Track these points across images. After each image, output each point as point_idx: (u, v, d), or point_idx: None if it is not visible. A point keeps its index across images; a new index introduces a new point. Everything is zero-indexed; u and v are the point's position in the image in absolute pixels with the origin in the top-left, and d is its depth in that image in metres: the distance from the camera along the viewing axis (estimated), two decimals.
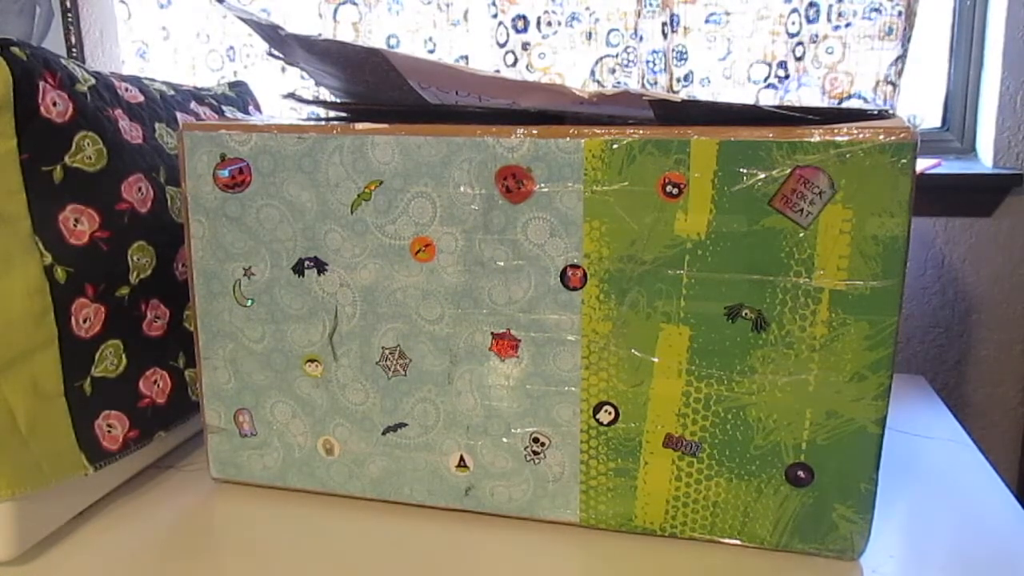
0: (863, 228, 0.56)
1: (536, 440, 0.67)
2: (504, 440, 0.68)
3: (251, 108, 0.98)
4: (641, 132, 0.59)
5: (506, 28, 1.18)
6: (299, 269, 0.69)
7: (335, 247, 0.67)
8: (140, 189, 0.72)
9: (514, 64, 1.18)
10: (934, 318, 1.18)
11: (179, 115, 0.81)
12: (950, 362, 1.18)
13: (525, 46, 1.18)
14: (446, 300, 0.66)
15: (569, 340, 0.64)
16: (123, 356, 0.70)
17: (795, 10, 1.10)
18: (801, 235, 0.58)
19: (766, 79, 1.13)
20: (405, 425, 0.70)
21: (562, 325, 0.64)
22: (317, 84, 0.89)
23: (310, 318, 0.70)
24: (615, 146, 0.60)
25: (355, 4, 1.22)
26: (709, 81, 1.15)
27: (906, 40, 1.07)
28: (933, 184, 1.12)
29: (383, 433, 0.70)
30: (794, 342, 0.60)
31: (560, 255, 0.63)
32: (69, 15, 1.35)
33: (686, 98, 0.62)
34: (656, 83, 1.15)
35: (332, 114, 0.87)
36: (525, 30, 1.17)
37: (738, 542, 0.65)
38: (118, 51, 1.37)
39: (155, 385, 0.74)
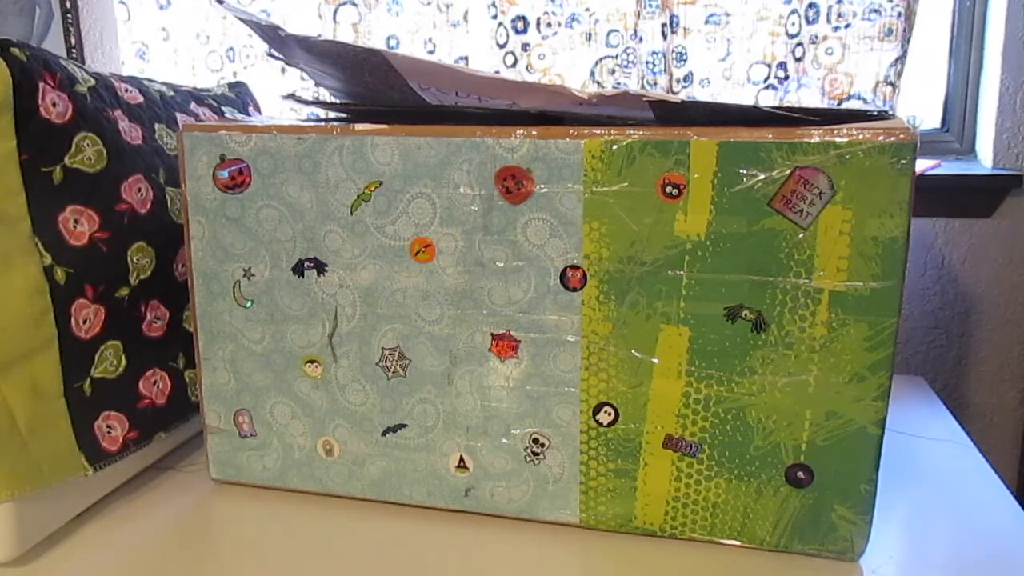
0: (863, 229, 0.56)
1: (536, 441, 0.67)
2: (504, 441, 0.68)
3: (251, 109, 0.98)
4: (641, 133, 0.59)
5: (506, 29, 1.18)
6: (299, 270, 0.69)
7: (335, 248, 0.67)
8: (140, 190, 0.72)
9: (514, 65, 1.18)
10: (934, 319, 1.18)
11: (179, 116, 0.81)
12: (950, 363, 1.18)
13: (525, 47, 1.18)
14: (446, 301, 0.66)
15: (569, 341, 0.64)
16: (123, 357, 0.70)
17: (795, 11, 1.10)
18: (801, 236, 0.58)
19: (766, 80, 1.13)
20: (405, 426, 0.70)
21: (562, 326, 0.64)
22: (317, 85, 0.89)
23: (310, 319, 0.70)
24: (615, 147, 0.60)
25: (355, 5, 1.22)
26: (709, 82, 1.15)
27: (906, 41, 1.07)
28: (933, 185, 1.12)
29: (383, 434, 0.70)
30: (794, 343, 0.60)
31: (560, 256, 0.63)
32: (69, 16, 1.35)
33: (686, 99, 0.62)
34: (656, 84, 1.15)
35: (332, 115, 0.87)
36: (525, 31, 1.17)
37: (738, 543, 0.65)
38: (118, 52, 1.37)
39: (155, 386, 0.74)
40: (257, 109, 1.00)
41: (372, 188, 0.65)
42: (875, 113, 0.64)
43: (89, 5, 1.36)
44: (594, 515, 0.67)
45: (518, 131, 0.61)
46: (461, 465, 0.69)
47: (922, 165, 1.09)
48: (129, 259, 0.71)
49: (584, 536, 0.68)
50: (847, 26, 1.09)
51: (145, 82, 0.80)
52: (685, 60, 1.14)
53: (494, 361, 0.66)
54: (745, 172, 0.58)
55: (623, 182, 0.60)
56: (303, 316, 0.70)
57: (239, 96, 0.97)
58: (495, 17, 1.18)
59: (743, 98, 1.14)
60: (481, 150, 0.62)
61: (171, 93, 0.83)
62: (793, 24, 1.10)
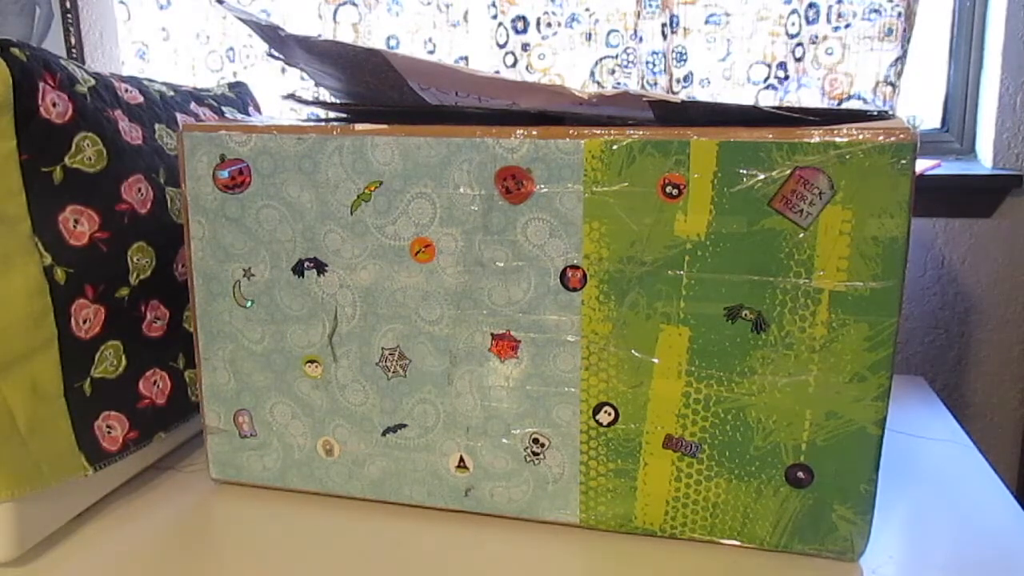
0: (863, 229, 0.56)
1: (536, 441, 0.67)
2: (504, 441, 0.68)
3: (251, 109, 0.98)
4: (641, 133, 0.59)
5: (506, 29, 1.18)
6: (299, 270, 0.69)
7: (335, 248, 0.67)
8: (140, 190, 0.72)
9: (514, 65, 1.18)
10: (934, 319, 1.18)
11: (179, 116, 0.81)
12: (950, 363, 1.18)
13: (525, 47, 1.18)
14: (446, 301, 0.66)
15: (569, 341, 0.64)
16: (123, 357, 0.70)
17: (795, 11, 1.10)
18: (801, 236, 0.58)
19: (766, 80, 1.13)
20: (405, 426, 0.70)
21: (562, 326, 0.64)
22: (317, 85, 0.89)
23: (310, 319, 0.70)
24: (615, 147, 0.60)
25: (355, 5, 1.22)
26: (709, 82, 1.15)
27: (906, 41, 1.07)
28: (933, 185, 1.12)
29: (383, 434, 0.70)
30: (794, 343, 0.60)
31: (560, 256, 0.63)
32: (69, 16, 1.35)
33: (686, 99, 0.62)
34: (656, 84, 1.15)
35: (332, 115, 0.87)
36: (525, 31, 1.17)
37: (738, 543, 0.65)
38: (118, 52, 1.37)
39: (155, 386, 0.74)
40: (257, 109, 1.00)
41: (372, 188, 0.65)
42: (875, 113, 0.64)
43: (89, 5, 1.36)
44: (594, 515, 0.67)
45: (518, 131, 0.61)
46: (461, 465, 0.69)
47: (922, 165, 1.09)
48: (129, 259, 0.71)
49: (584, 536, 0.68)
50: (847, 26, 1.09)
51: (145, 82, 0.80)
52: (685, 60, 1.14)
53: (494, 361, 0.66)
54: (745, 172, 0.58)
55: (623, 182, 0.60)
56: (303, 316, 0.70)
57: (239, 96, 0.97)
58: (495, 17, 1.18)
59: (743, 98, 1.14)
60: (481, 150, 0.62)
61: (171, 93, 0.83)
62: (793, 24, 1.10)
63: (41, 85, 0.63)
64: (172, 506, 0.74)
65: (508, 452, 0.68)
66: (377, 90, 0.75)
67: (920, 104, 1.21)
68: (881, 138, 0.55)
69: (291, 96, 0.78)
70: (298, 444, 0.73)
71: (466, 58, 1.22)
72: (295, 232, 0.68)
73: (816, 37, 1.10)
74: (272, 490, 0.76)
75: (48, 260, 0.63)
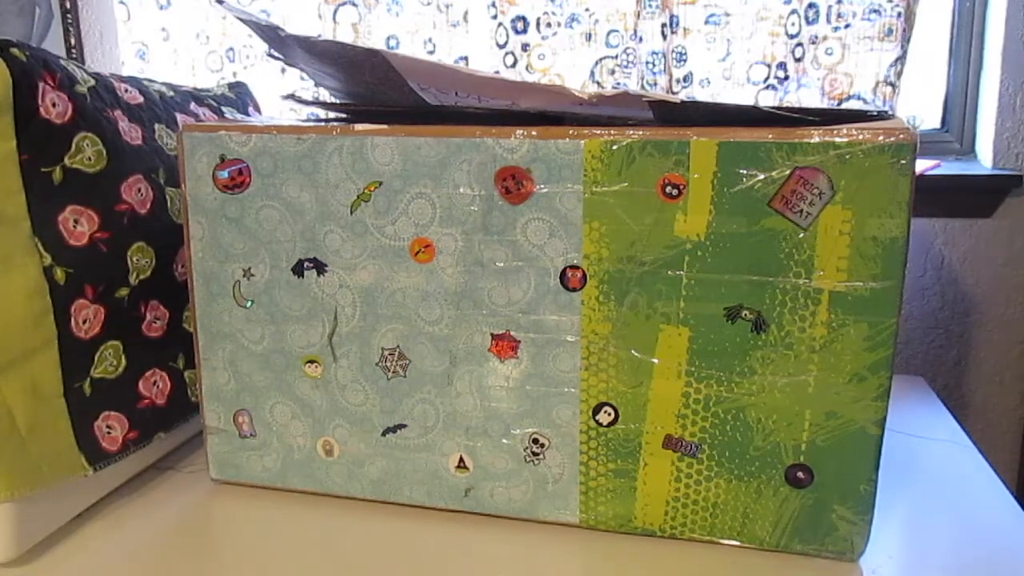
0: (862, 229, 0.56)
1: (536, 441, 0.67)
2: (504, 441, 0.68)
3: (251, 109, 0.98)
4: (641, 133, 0.59)
5: (506, 29, 1.18)
6: (299, 270, 0.69)
7: (335, 248, 0.67)
8: (140, 190, 0.72)
9: (514, 65, 1.18)
10: (934, 319, 1.18)
11: (179, 116, 0.81)
12: (950, 363, 1.18)
13: (525, 47, 1.18)
14: (446, 301, 0.66)
15: (569, 341, 0.64)
16: (123, 357, 0.70)
17: (794, 11, 1.10)
18: (800, 236, 0.58)
19: (765, 80, 1.13)
20: (405, 426, 0.70)
21: (562, 326, 0.64)
22: (317, 85, 0.89)
23: (310, 319, 0.70)
24: (615, 147, 0.60)
25: (355, 5, 1.22)
26: (709, 82, 1.15)
27: (905, 41, 1.07)
28: (933, 185, 1.12)
29: (383, 434, 0.70)
30: (794, 343, 0.60)
31: (560, 256, 0.63)
32: (69, 16, 1.35)
33: (685, 99, 0.62)
34: (656, 84, 1.15)
35: (332, 115, 0.87)
36: (525, 31, 1.17)
37: (737, 543, 0.65)
38: (118, 52, 1.37)
39: (155, 386, 0.74)
40: (257, 109, 1.00)
41: (372, 188, 0.65)
42: (875, 113, 0.64)
43: (89, 5, 1.36)
44: (594, 515, 0.67)
45: (518, 131, 0.61)
46: (461, 465, 0.69)
47: (922, 165, 1.09)
48: (129, 259, 0.71)
49: (584, 536, 0.68)
50: (847, 26, 1.08)
51: (145, 82, 0.80)
52: (685, 60, 1.14)
53: (494, 361, 0.66)
54: (745, 172, 0.58)
55: (623, 182, 0.60)
56: (303, 316, 0.70)
57: (239, 96, 0.97)
58: (495, 17, 1.18)
59: (743, 98, 1.14)
60: (481, 150, 0.62)
61: (171, 93, 0.83)
62: (793, 24, 1.10)
63: (41, 85, 0.63)
64: (172, 506, 0.74)
65: (508, 452, 0.68)
66: (377, 90, 0.75)
67: (920, 104, 1.21)
68: (881, 138, 0.55)
69: (291, 96, 0.78)
70: (298, 444, 0.73)
71: (466, 58, 1.22)
72: (295, 232, 0.68)
73: (816, 37, 1.10)
74: (272, 490, 0.76)
75: (48, 260, 0.63)
